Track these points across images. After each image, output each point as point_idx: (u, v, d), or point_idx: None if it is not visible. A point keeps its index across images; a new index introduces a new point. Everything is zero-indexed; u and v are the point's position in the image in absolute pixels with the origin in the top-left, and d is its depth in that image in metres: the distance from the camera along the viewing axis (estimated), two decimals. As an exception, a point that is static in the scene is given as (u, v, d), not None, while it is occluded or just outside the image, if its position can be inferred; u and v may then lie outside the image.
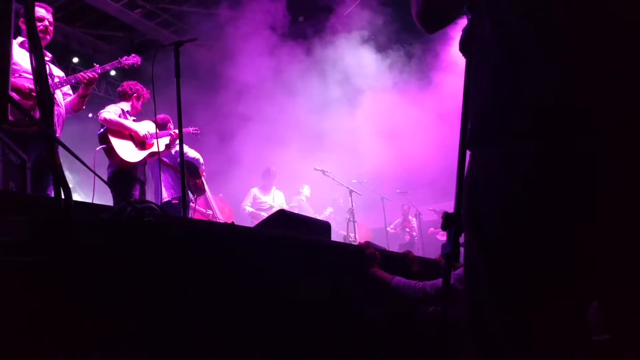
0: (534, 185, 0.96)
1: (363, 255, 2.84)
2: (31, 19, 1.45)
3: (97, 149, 4.38)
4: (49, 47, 3.85)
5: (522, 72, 1.00)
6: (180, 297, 1.89)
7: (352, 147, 8.40)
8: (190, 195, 4.99)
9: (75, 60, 8.62)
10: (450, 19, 1.22)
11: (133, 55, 4.41)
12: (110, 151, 4.41)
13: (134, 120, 4.72)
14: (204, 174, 5.39)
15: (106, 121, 4.46)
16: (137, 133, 4.58)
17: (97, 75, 3.92)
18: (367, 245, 2.91)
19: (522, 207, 0.97)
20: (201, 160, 5.30)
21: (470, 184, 1.08)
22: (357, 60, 8.61)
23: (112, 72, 9.04)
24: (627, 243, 0.91)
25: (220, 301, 2.01)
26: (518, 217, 0.98)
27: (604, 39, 0.94)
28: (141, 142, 4.60)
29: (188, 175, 4.99)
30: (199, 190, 5.27)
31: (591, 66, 0.94)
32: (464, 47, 1.18)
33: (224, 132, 8.53)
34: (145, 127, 4.68)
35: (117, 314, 1.66)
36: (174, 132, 4.82)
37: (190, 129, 5.19)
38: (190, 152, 5.25)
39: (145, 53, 9.05)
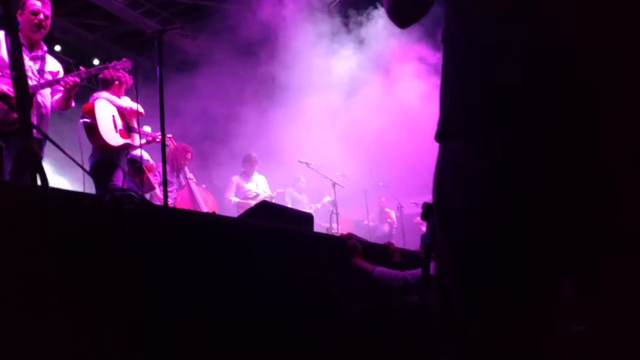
0: (500, 178, 0.94)
1: (345, 247, 2.85)
2: (7, 2, 1.42)
3: (81, 120, 4.19)
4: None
5: (483, 62, 0.98)
6: (160, 285, 1.88)
7: (339, 140, 8.39)
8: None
9: (58, 48, 8.48)
10: (422, 13, 1.20)
11: (124, 60, 4.26)
12: (92, 128, 4.20)
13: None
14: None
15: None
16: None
17: (79, 80, 3.83)
18: (349, 236, 2.93)
19: (488, 201, 0.95)
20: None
21: (437, 178, 1.06)
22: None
23: (96, 61, 8.89)
24: (607, 235, 0.90)
25: (200, 292, 2.00)
26: (484, 212, 0.96)
27: (563, 21, 0.92)
28: (125, 129, 4.51)
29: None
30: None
31: (552, 50, 0.92)
32: (442, 38, 1.17)
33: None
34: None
35: (95, 302, 1.65)
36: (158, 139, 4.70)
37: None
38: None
39: (129, 42, 9.02)
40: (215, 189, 7.61)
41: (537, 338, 0.96)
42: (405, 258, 3.08)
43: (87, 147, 4.36)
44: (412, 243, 7.48)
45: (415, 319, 2.70)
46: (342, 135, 8.33)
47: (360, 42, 8.72)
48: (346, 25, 8.81)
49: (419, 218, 9.40)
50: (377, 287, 2.68)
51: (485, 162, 0.95)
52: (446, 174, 1.04)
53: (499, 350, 0.96)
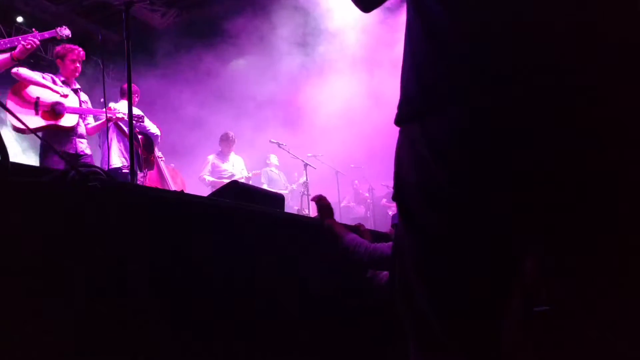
0: (454, 160, 0.96)
1: (318, 207, 2.82)
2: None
3: None
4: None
5: (436, 46, 0.99)
6: (126, 265, 1.85)
7: (308, 121, 8.37)
8: (138, 170, 4.87)
9: (20, 19, 8.15)
10: None
11: (64, 27, 4.21)
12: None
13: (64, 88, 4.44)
14: (157, 150, 5.34)
15: (17, 75, 4.17)
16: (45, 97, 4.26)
17: (38, 43, 3.72)
18: (321, 197, 2.87)
19: (442, 183, 0.97)
20: (157, 133, 5.28)
21: (397, 160, 1.09)
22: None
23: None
24: (556, 213, 0.92)
25: (160, 269, 1.97)
26: (438, 194, 0.97)
27: (516, 9, 0.93)
28: (49, 110, 4.26)
29: (143, 149, 4.91)
30: (150, 165, 5.18)
31: (504, 37, 0.93)
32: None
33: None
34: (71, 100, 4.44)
35: (58, 282, 1.61)
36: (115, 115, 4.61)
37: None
38: (152, 127, 5.23)
39: (96, 15, 8.73)
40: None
41: (493, 311, 0.98)
42: (376, 239, 3.09)
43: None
44: (382, 225, 7.56)
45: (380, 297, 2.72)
46: (315, 116, 8.30)
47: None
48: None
49: (384, 200, 9.60)
50: (343, 257, 2.60)
51: (440, 143, 0.97)
52: (404, 155, 1.06)
53: (453, 322, 0.99)
